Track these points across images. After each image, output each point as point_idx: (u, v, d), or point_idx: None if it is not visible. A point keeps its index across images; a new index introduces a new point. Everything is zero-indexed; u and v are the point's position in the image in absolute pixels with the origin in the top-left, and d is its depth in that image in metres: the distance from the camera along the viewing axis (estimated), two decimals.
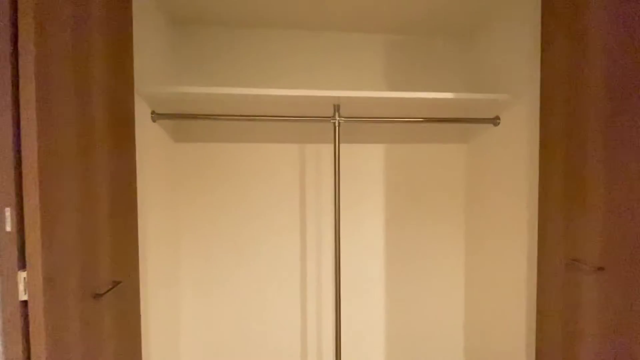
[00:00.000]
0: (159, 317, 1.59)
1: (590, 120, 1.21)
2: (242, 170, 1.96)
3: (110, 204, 1.07)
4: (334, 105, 1.67)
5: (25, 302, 0.79)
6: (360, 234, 2.07)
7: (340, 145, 2.01)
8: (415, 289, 2.13)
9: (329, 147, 2.01)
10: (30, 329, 0.78)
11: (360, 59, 2.01)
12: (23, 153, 0.76)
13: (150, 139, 1.55)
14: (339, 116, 1.66)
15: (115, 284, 1.06)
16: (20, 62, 0.76)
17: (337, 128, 1.67)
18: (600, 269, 1.18)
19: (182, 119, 1.86)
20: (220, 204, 1.95)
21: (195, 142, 1.93)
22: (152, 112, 1.58)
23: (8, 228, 0.78)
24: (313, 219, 2.02)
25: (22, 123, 0.76)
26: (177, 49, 1.88)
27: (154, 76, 1.60)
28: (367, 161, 2.05)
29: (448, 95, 1.63)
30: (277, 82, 1.94)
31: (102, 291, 0.99)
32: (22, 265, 0.80)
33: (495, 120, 1.81)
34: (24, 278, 0.79)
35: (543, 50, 1.44)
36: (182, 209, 1.92)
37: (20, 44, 0.76)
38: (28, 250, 0.78)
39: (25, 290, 0.79)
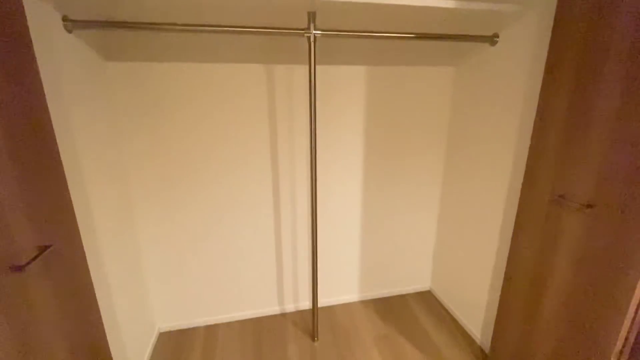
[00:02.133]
0: (117, 269, 1.43)
1: (614, 41, 1.02)
2: (198, 96, 1.63)
3: (10, 151, 0.78)
4: (309, 14, 1.32)
5: None
6: (337, 161, 1.92)
7: (316, 66, 1.71)
8: (390, 215, 2.11)
9: (303, 69, 1.70)
10: None
11: None
12: None
13: (67, 58, 1.17)
14: (315, 28, 1.34)
15: (43, 249, 0.85)
16: None
17: (312, 44, 1.36)
18: (589, 206, 1.13)
19: (111, 29, 1.41)
20: (174, 133, 1.65)
21: (135, 61, 1.52)
22: (65, 19, 1.16)
23: None
24: (285, 149, 1.81)
25: None
26: None
27: None
28: (345, 85, 1.79)
29: (447, 3, 1.33)
30: None
31: (22, 262, 0.78)
32: None
33: (493, 39, 1.58)
34: None
35: None
36: (128, 142, 1.61)
37: None
38: None
39: None
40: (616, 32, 1.02)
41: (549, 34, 1.31)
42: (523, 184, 1.40)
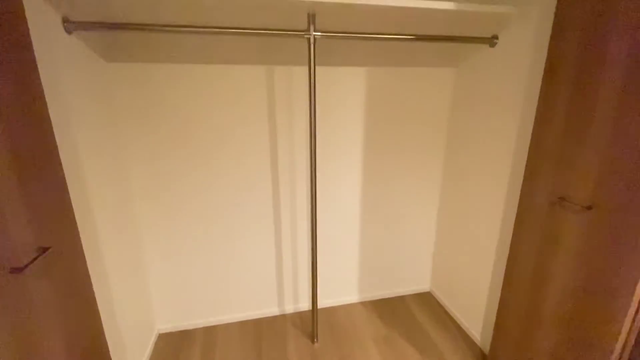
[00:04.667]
0: (117, 270, 1.43)
1: (613, 40, 1.02)
2: (199, 96, 1.63)
3: (10, 151, 0.78)
4: (309, 15, 1.33)
5: None
6: (337, 162, 1.93)
7: (316, 67, 1.71)
8: (389, 216, 2.11)
9: (302, 70, 1.70)
10: None
11: None
12: None
13: (67, 59, 1.17)
14: (315, 30, 1.34)
15: (43, 250, 0.85)
16: None
17: (312, 45, 1.36)
18: (589, 207, 1.14)
19: (111, 30, 1.42)
20: (175, 135, 1.66)
21: (136, 62, 1.53)
22: (65, 20, 1.17)
23: None
24: (285, 147, 1.81)
25: None
26: None
27: None
28: (344, 86, 1.79)
29: (447, 5, 1.34)
30: None
31: (22, 263, 0.78)
32: None
33: (492, 40, 1.58)
34: None
35: None
36: (129, 143, 1.61)
37: None
38: None
39: None
40: (614, 35, 1.02)
41: (548, 35, 1.31)
42: (523, 185, 1.40)
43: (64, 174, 1.01)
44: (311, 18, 1.33)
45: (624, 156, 1.02)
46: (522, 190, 1.41)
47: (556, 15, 1.21)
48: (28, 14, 0.93)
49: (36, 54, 0.95)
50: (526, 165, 1.38)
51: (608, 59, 1.04)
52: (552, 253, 1.29)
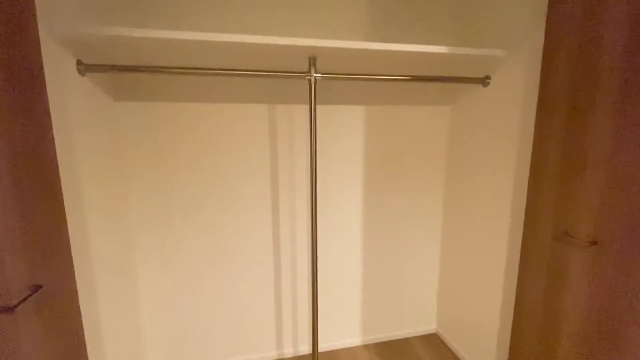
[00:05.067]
0: (111, 314, 1.38)
1: (602, 78, 1.07)
2: (202, 135, 1.67)
3: (15, 187, 0.79)
4: (310, 58, 1.40)
5: None
6: (337, 199, 1.92)
7: (316, 106, 1.77)
8: (392, 252, 2.07)
9: (303, 108, 1.76)
10: None
11: (338, 5, 1.70)
12: None
13: (78, 98, 1.22)
14: (316, 72, 1.41)
15: (35, 289, 0.82)
16: None
17: (313, 86, 1.42)
18: (594, 243, 1.12)
19: (122, 72, 1.49)
20: (176, 174, 1.67)
21: (143, 102, 1.58)
22: (79, 63, 1.23)
23: None
24: (286, 185, 1.82)
25: None
26: None
27: (75, 11, 1.22)
28: (344, 124, 1.84)
29: (440, 49, 1.42)
30: (242, 27, 1.61)
31: (14, 302, 0.76)
32: None
33: (485, 80, 1.65)
34: None
35: None
36: (131, 180, 1.62)
37: None
38: None
39: None
40: (603, 70, 1.07)
41: (538, 74, 1.37)
42: (525, 220, 1.40)
43: (65, 211, 1.01)
44: (312, 61, 1.40)
45: (622, 191, 1.02)
46: (525, 225, 1.40)
47: (544, 55, 1.28)
48: (44, 54, 0.98)
49: (49, 91, 0.99)
50: (527, 200, 1.38)
51: (598, 94, 1.09)
52: (561, 290, 1.25)
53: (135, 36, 1.16)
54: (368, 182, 1.94)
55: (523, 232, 1.40)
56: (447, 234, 2.08)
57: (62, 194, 1.01)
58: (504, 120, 1.56)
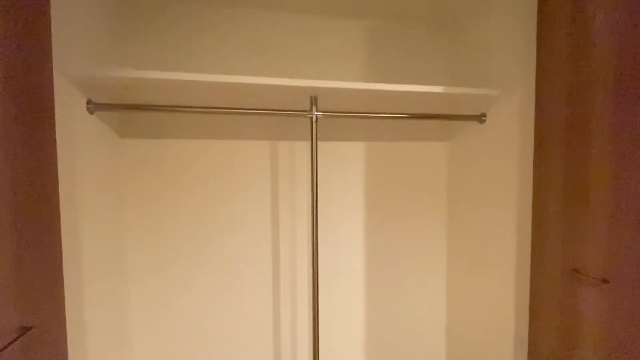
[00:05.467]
0: (98, 348, 1.30)
1: (596, 114, 1.10)
2: (204, 171, 1.68)
3: (13, 225, 0.78)
4: (311, 98, 1.45)
5: None
6: (338, 236, 1.89)
7: (318, 142, 1.81)
8: (396, 291, 2.00)
9: (304, 145, 1.80)
10: None
11: (338, 46, 1.80)
12: None
13: (86, 136, 1.24)
14: (317, 110, 1.45)
15: (24, 331, 0.78)
16: None
17: (314, 123, 1.46)
18: (605, 281, 1.08)
19: (129, 111, 1.55)
20: (178, 211, 1.67)
21: (147, 139, 1.62)
22: (88, 102, 1.27)
23: None
24: (287, 222, 1.80)
25: None
26: (121, 19, 1.56)
27: (87, 54, 1.29)
28: (344, 160, 1.86)
29: (437, 89, 1.47)
30: (245, 68, 1.69)
31: (1, 345, 0.72)
32: None
33: (481, 118, 1.70)
34: None
35: (540, 36, 1.32)
36: (131, 219, 1.62)
37: None
38: None
39: None
40: (596, 107, 1.10)
41: (533, 111, 1.41)
42: (532, 257, 1.36)
43: (62, 252, 0.99)
44: (313, 100, 1.45)
45: (634, 226, 1.00)
46: (531, 263, 1.36)
47: (537, 92, 1.32)
48: (56, 93, 1.01)
49: (57, 128, 1.01)
50: (532, 236, 1.36)
51: (594, 131, 1.11)
52: (575, 330, 1.18)
53: (148, 77, 1.21)
54: (370, 215, 1.93)
55: (531, 270, 1.36)
56: (451, 268, 2.02)
57: (60, 234, 0.99)
58: (503, 155, 1.58)
